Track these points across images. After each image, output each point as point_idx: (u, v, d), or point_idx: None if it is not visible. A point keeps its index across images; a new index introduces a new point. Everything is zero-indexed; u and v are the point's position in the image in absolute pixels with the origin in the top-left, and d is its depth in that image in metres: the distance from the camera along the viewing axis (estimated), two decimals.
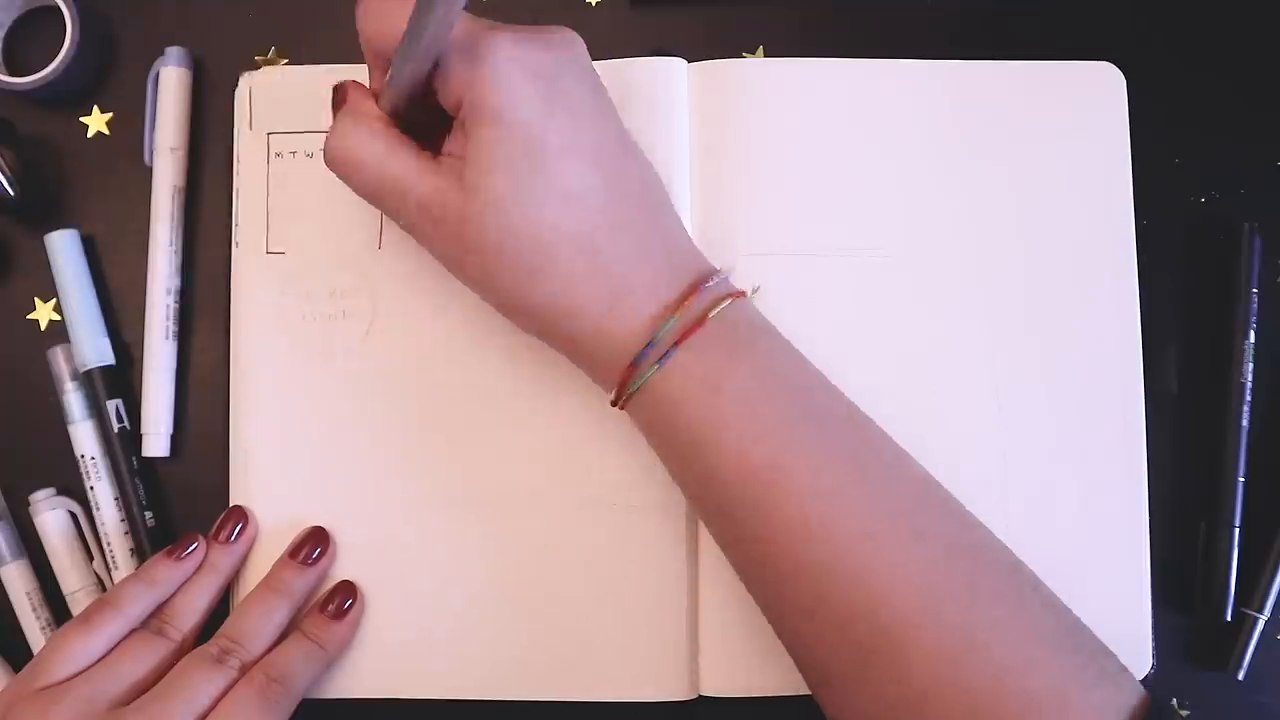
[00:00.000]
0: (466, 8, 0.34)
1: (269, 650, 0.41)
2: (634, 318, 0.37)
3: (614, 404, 0.38)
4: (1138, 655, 0.43)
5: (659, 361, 0.36)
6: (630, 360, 0.37)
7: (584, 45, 0.38)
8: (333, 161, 0.38)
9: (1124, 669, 0.36)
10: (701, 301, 0.37)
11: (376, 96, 0.38)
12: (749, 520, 0.36)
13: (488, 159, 0.35)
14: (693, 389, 0.36)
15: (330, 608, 0.42)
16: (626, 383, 0.37)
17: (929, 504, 0.37)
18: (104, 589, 0.45)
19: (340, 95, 0.39)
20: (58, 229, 0.46)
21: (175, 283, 0.46)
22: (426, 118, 0.38)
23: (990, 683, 0.33)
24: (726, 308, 0.37)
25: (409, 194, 0.37)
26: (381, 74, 0.38)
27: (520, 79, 0.35)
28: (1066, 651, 0.35)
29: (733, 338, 0.37)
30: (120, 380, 0.45)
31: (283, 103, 0.46)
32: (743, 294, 0.39)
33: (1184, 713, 0.44)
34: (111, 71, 0.48)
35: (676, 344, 0.36)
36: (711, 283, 0.37)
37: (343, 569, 0.44)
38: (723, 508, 0.38)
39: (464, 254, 0.37)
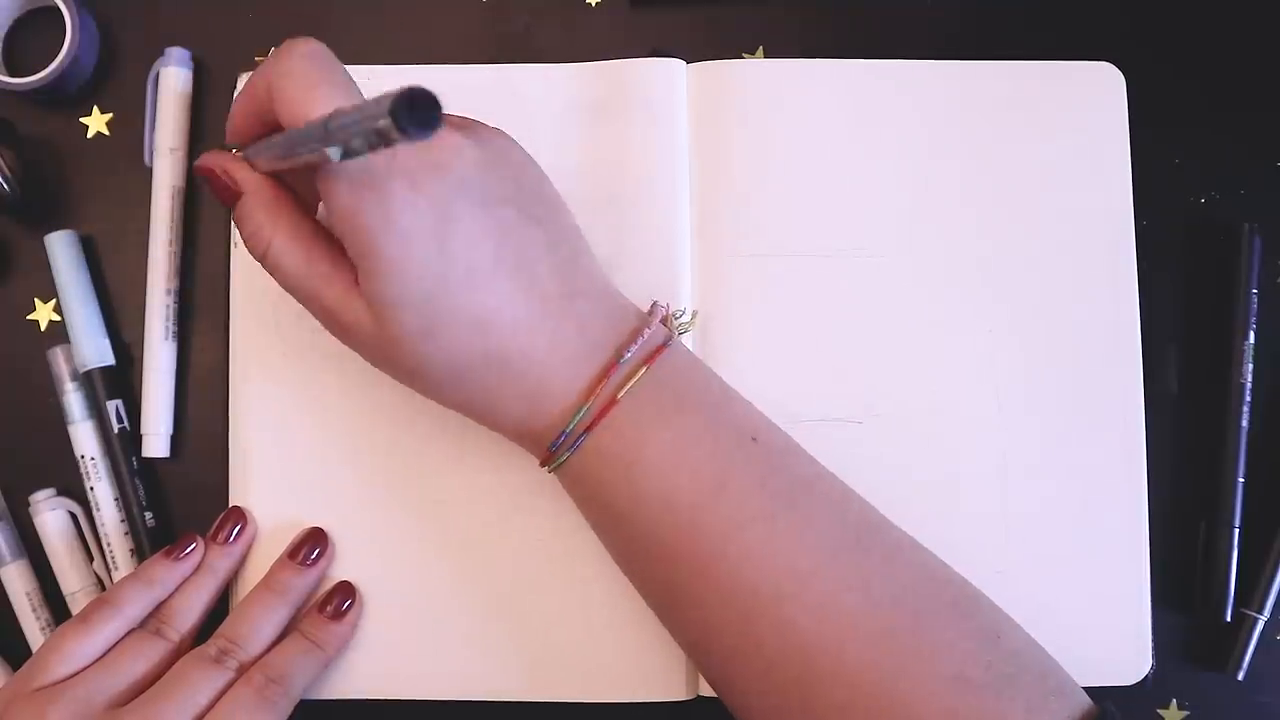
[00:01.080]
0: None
1: (267, 651, 0.41)
2: (551, 407, 0.37)
3: (542, 468, 0.39)
4: (1137, 655, 0.43)
5: (571, 448, 0.37)
6: (546, 447, 0.38)
7: (474, 152, 0.35)
8: (253, 255, 0.37)
9: (1060, 690, 0.36)
10: (614, 381, 0.37)
11: (241, 131, 0.37)
12: (663, 585, 0.38)
13: (391, 301, 0.35)
14: (608, 467, 0.37)
15: (329, 608, 0.42)
16: (547, 464, 0.38)
17: (853, 553, 0.37)
18: (104, 589, 0.45)
19: (220, 185, 0.37)
20: (58, 229, 0.46)
21: (175, 283, 0.46)
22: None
23: None
24: (642, 378, 0.37)
25: (323, 304, 0.37)
26: (245, 117, 0.36)
27: (412, 224, 0.34)
28: (989, 691, 0.35)
29: (650, 408, 0.37)
30: (120, 380, 0.45)
31: None
32: (664, 349, 0.38)
33: (1183, 713, 0.44)
34: (111, 71, 0.48)
35: (588, 430, 0.37)
36: (628, 355, 0.37)
37: (341, 569, 0.44)
38: (640, 571, 0.39)
39: (382, 366, 0.38)
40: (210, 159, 0.38)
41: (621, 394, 0.37)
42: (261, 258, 0.37)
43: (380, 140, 0.27)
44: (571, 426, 0.37)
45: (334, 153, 0.30)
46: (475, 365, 0.36)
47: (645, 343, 0.38)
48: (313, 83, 0.34)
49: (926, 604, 0.36)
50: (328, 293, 0.36)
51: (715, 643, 0.37)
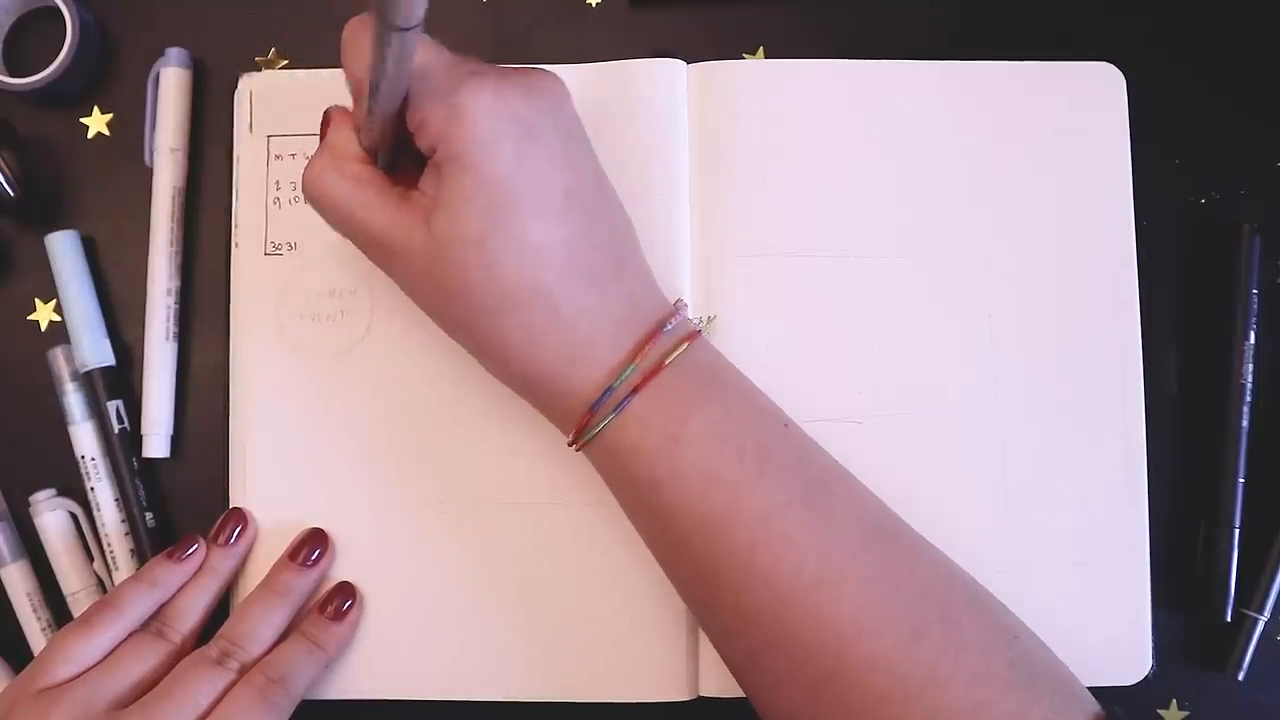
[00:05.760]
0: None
1: (268, 651, 0.41)
2: (593, 366, 0.37)
3: (570, 445, 0.39)
4: (1137, 656, 0.43)
5: (615, 409, 0.37)
6: (587, 407, 0.37)
7: (566, 90, 0.38)
8: (305, 193, 0.39)
9: (1074, 693, 0.36)
10: (659, 347, 0.37)
11: (359, 129, 0.38)
12: (701, 566, 0.37)
13: (458, 207, 0.35)
14: (650, 438, 0.37)
15: (329, 609, 0.42)
16: (583, 429, 0.38)
17: (882, 545, 0.37)
18: (104, 590, 0.45)
19: (325, 123, 0.39)
20: (58, 230, 0.46)
21: (175, 283, 0.46)
22: (412, 155, 0.38)
23: None
24: (685, 352, 0.37)
25: (370, 229, 0.38)
26: (361, 105, 0.37)
27: (497, 132, 0.35)
28: (1015, 688, 0.35)
29: (691, 383, 0.37)
30: (120, 381, 0.45)
31: (283, 106, 0.46)
32: (698, 334, 0.39)
33: (1183, 713, 0.44)
34: (111, 71, 0.48)
35: (634, 392, 0.37)
36: (669, 326, 0.38)
37: (342, 570, 0.44)
38: (676, 552, 0.38)
39: (425, 289, 0.38)
40: (330, 110, 0.39)
41: (669, 360, 0.37)
42: (311, 189, 0.38)
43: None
44: (619, 384, 0.36)
45: (390, 38, 0.30)
46: (522, 296, 0.36)
47: (683, 322, 0.39)
48: (355, 30, 0.37)
49: (950, 601, 0.37)
50: (376, 218, 0.37)
51: (750, 633, 0.37)
